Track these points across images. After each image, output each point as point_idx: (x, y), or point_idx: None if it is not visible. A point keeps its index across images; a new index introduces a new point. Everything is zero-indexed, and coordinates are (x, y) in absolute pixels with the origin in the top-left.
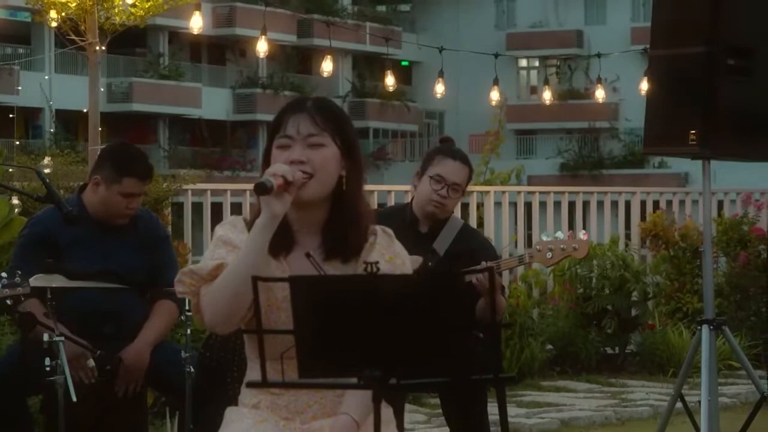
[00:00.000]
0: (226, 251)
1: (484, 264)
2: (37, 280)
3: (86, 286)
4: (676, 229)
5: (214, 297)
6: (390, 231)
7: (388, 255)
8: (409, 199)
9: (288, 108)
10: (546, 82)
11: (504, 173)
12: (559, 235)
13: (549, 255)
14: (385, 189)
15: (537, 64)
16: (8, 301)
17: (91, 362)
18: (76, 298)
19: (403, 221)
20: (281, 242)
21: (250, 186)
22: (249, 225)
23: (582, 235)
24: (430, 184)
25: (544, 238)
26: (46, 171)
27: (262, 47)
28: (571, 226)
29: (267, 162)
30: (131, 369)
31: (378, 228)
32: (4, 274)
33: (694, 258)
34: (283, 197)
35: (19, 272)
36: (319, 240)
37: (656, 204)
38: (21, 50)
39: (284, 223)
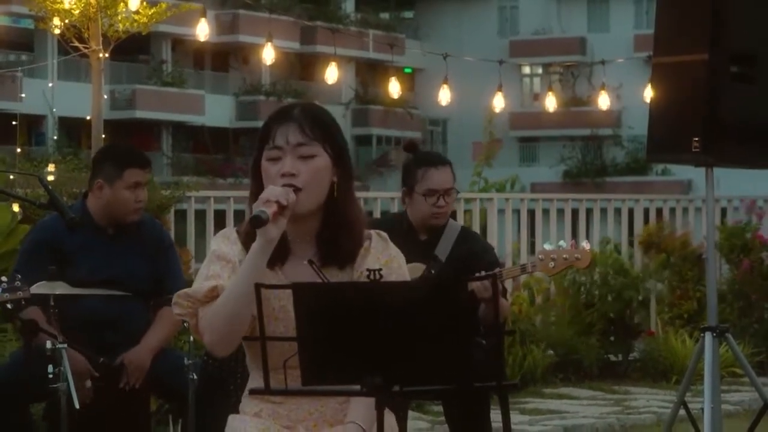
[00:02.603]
0: (221, 267)
1: (487, 272)
2: (40, 287)
3: (89, 294)
4: (677, 237)
5: (212, 320)
6: (384, 234)
7: (384, 259)
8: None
9: (275, 117)
10: (549, 89)
11: (499, 182)
12: (562, 244)
13: (551, 264)
14: (389, 196)
15: (540, 71)
16: (9, 306)
17: (89, 383)
18: (78, 305)
19: (401, 230)
20: (277, 253)
21: None
22: (242, 235)
23: (585, 244)
24: (425, 201)
25: (547, 247)
26: (50, 178)
27: (268, 55)
28: (574, 233)
29: (257, 172)
30: (132, 370)
31: (372, 232)
32: (3, 278)
33: (696, 265)
34: (278, 221)
35: (19, 276)
36: (314, 248)
37: (659, 211)
38: (24, 57)
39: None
